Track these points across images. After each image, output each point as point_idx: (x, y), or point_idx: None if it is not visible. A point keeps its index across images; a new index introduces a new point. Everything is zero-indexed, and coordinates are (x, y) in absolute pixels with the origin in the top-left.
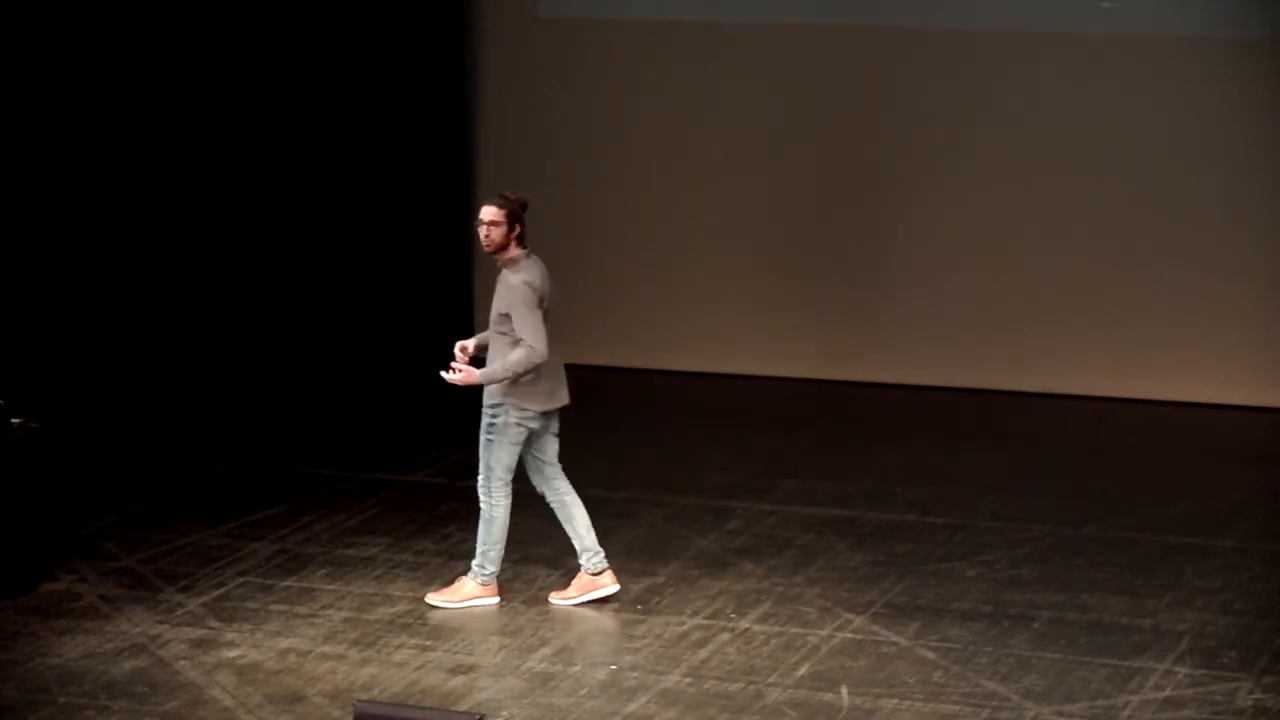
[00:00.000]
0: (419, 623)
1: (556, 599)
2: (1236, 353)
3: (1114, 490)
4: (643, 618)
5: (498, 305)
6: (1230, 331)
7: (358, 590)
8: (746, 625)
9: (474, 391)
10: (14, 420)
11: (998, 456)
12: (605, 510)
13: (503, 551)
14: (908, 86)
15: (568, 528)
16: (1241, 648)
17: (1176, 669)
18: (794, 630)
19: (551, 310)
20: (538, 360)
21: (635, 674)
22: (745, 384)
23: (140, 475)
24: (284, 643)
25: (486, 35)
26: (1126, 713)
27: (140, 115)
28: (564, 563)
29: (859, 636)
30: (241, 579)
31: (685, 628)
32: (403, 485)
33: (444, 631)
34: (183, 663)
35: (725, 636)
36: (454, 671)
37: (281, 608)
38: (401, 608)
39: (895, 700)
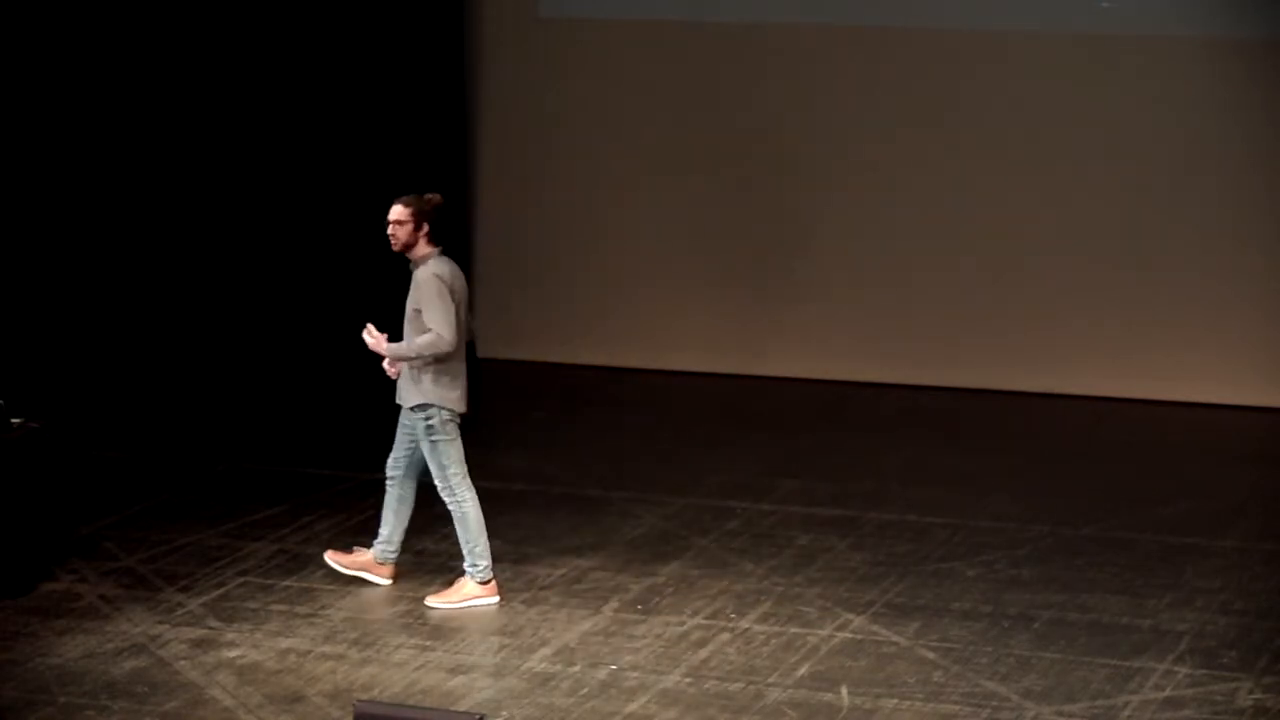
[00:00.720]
0: (419, 623)
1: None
2: (1236, 353)
3: (1114, 490)
4: (643, 618)
5: (410, 302)
6: (1230, 331)
7: (358, 590)
8: (746, 625)
9: (474, 390)
10: (14, 420)
11: (997, 456)
12: (605, 510)
13: (488, 543)
14: (908, 87)
15: (389, 514)
16: (1241, 648)
17: (1176, 669)
18: (794, 630)
19: (461, 313)
20: (445, 348)
21: (635, 674)
22: (745, 384)
23: (140, 475)
24: (284, 643)
25: (486, 35)
26: (1126, 713)
27: (140, 115)
28: (564, 561)
29: (859, 636)
30: (241, 579)
31: (685, 628)
32: None
33: (444, 631)
34: (183, 663)
35: (725, 636)
36: (454, 671)
37: (281, 608)
38: (401, 608)
39: (895, 700)
